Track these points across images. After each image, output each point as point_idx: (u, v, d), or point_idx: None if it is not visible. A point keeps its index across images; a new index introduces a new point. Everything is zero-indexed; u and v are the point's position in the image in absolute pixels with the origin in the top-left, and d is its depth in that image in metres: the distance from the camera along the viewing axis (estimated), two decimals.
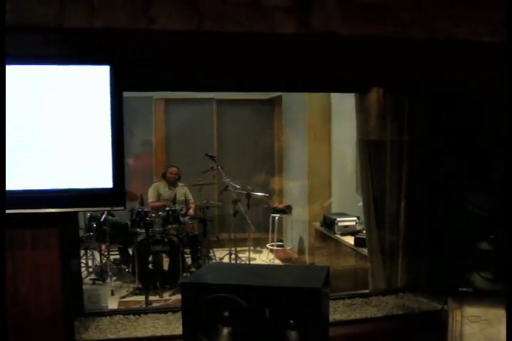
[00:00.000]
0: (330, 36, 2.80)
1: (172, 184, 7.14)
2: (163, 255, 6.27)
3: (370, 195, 3.77)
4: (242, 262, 7.12)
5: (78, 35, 2.46)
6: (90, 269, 6.48)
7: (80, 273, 3.58)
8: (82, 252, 6.34)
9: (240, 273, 2.24)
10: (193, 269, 6.59)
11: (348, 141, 6.29)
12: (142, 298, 5.41)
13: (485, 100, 3.11)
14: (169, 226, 6.15)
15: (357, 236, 5.40)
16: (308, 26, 2.76)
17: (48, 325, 2.58)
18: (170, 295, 5.78)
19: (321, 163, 7.41)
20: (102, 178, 2.47)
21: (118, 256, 6.80)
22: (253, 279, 2.10)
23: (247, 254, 7.35)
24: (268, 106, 8.96)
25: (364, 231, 4.79)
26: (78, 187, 2.47)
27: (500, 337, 2.52)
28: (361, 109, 3.77)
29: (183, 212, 6.62)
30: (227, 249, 7.25)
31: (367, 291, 3.86)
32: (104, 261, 6.49)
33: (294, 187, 8.17)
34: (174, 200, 6.56)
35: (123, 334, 2.92)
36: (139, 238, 6.02)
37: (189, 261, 6.79)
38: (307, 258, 7.58)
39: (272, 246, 8.09)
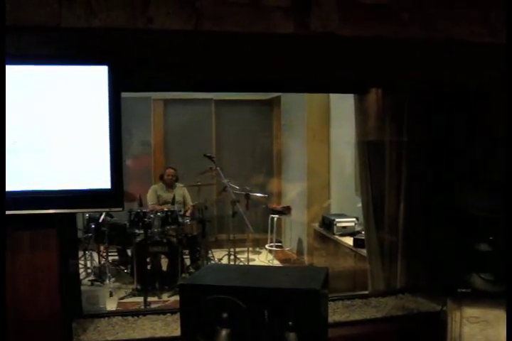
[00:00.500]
0: (329, 36, 2.80)
1: (170, 185, 7.16)
2: (162, 256, 6.26)
3: (370, 195, 3.76)
4: (241, 263, 7.11)
5: (76, 35, 2.45)
6: (89, 270, 6.46)
7: (78, 274, 3.58)
8: (81, 253, 6.33)
9: (238, 275, 2.23)
10: (191, 270, 6.58)
11: (347, 142, 6.29)
12: (141, 299, 5.40)
13: (484, 100, 3.11)
14: (168, 227, 6.14)
15: (356, 237, 5.40)
16: (307, 26, 2.76)
17: (46, 327, 2.57)
18: (169, 296, 5.76)
19: (320, 164, 7.40)
20: (100, 179, 2.47)
21: (117, 257, 6.78)
22: (252, 280, 2.09)
23: (245, 255, 7.34)
24: (267, 106, 8.95)
25: (363, 232, 4.79)
26: (76, 188, 2.46)
27: (500, 338, 2.51)
28: (360, 110, 3.76)
29: (181, 213, 6.62)
30: (226, 249, 7.24)
31: (366, 292, 3.85)
32: (102, 262, 6.48)
33: (292, 187, 8.16)
34: (173, 201, 6.55)
35: (121, 336, 2.91)
36: (138, 239, 6.01)
37: (188, 261, 6.77)
38: (306, 259, 7.58)
39: (271, 246, 8.09)
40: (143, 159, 8.56)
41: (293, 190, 8.14)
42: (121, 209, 2.57)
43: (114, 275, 6.37)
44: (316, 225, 6.73)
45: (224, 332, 1.94)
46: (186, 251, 6.74)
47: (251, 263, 7.29)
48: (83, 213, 6.18)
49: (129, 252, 6.47)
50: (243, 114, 8.84)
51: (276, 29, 2.73)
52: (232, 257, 7.05)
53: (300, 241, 7.90)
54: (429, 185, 3.47)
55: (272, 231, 8.04)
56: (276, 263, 7.69)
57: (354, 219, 5.98)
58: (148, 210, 6.25)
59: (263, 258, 7.96)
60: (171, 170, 7.19)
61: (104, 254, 6.46)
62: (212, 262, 6.98)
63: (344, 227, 5.95)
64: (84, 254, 6.45)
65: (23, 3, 2.32)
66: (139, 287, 5.80)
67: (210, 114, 8.69)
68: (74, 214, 3.07)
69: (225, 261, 7.11)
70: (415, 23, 2.92)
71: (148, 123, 8.55)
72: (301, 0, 2.68)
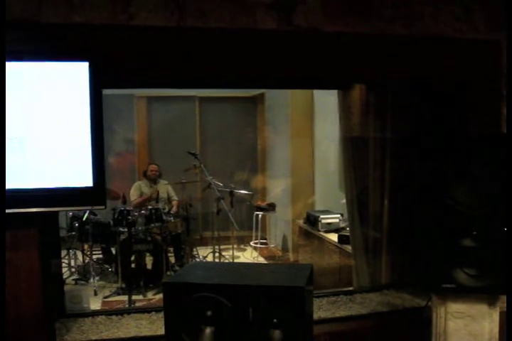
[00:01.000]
0: (312, 32, 2.80)
1: (153, 181, 7.16)
2: (147, 254, 6.23)
3: (354, 192, 3.77)
4: (226, 260, 7.10)
5: (56, 31, 2.42)
6: (73, 269, 6.42)
7: (61, 273, 3.54)
8: (65, 252, 6.29)
9: (222, 272, 2.22)
10: (176, 268, 6.55)
11: (331, 138, 6.30)
12: (126, 297, 5.37)
13: (467, 96, 3.12)
14: (152, 225, 6.12)
15: (340, 233, 5.41)
16: (291, 22, 2.75)
17: (28, 327, 2.54)
18: (153, 295, 5.74)
19: (304, 161, 7.41)
20: (82, 177, 2.43)
21: (101, 256, 6.75)
22: (236, 278, 2.08)
23: (230, 252, 7.34)
24: (251, 103, 8.94)
25: (348, 229, 4.80)
26: (58, 186, 2.42)
27: (484, 333, 2.53)
28: (344, 106, 3.76)
29: (165, 211, 6.59)
30: (211, 247, 7.22)
31: (351, 288, 3.86)
32: (86, 261, 6.44)
33: (277, 184, 8.17)
34: (157, 198, 6.52)
35: (105, 335, 2.88)
36: (122, 237, 5.97)
37: (173, 259, 6.75)
38: (291, 256, 7.59)
39: (256, 244, 8.08)
40: (127, 157, 8.51)
41: (277, 187, 8.15)
42: (103, 207, 2.54)
43: (98, 274, 6.33)
44: (301, 222, 6.74)
45: (208, 330, 1.93)
46: (171, 249, 6.72)
47: (236, 261, 7.29)
48: (66, 212, 6.14)
49: (113, 250, 6.43)
50: (227, 111, 8.82)
51: (259, 25, 2.72)
52: (217, 254, 7.03)
53: (285, 238, 7.91)
54: (413, 180, 3.48)
55: (256, 229, 8.04)
56: (261, 260, 7.70)
57: (339, 216, 5.98)
58: (131, 208, 6.22)
59: (248, 256, 7.96)
60: (154, 166, 7.22)
61: (88, 253, 6.41)
62: (197, 260, 6.97)
63: (329, 224, 5.96)
64: (68, 253, 6.41)
65: None
66: (123, 285, 5.78)
67: (193, 111, 8.66)
68: (56, 212, 3.03)
69: (209, 258, 7.10)
70: (398, 20, 2.93)
71: (131, 121, 8.50)
72: None
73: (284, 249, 7.93)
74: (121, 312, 3.21)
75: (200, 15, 2.62)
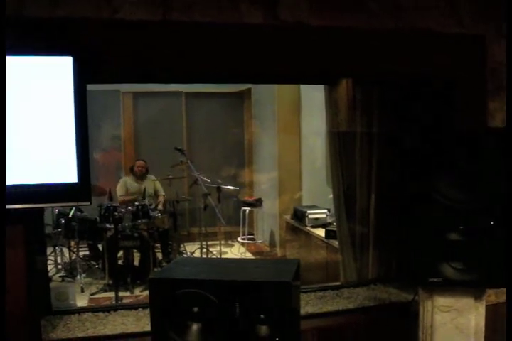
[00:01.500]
0: (298, 27, 2.78)
1: (140, 177, 7.13)
2: (134, 250, 6.20)
3: (341, 187, 3.77)
4: (214, 256, 7.10)
5: (39, 24, 2.39)
6: (59, 266, 6.37)
7: (46, 270, 3.51)
8: (51, 249, 6.24)
9: (209, 268, 2.21)
10: (164, 264, 6.54)
11: (317, 133, 6.30)
12: (113, 294, 5.35)
13: (453, 91, 3.12)
14: (139, 221, 6.09)
15: (328, 228, 5.42)
16: (276, 16, 2.74)
17: (13, 324, 2.51)
18: (141, 291, 5.72)
19: (291, 156, 7.41)
20: (67, 173, 2.41)
21: (87, 253, 6.70)
22: (222, 274, 2.07)
23: (218, 248, 7.34)
24: (237, 99, 8.92)
25: (335, 224, 4.80)
26: (42, 183, 2.39)
27: (470, 326, 2.54)
28: (331, 101, 3.76)
29: (152, 207, 6.57)
30: (198, 243, 7.21)
31: (338, 283, 3.86)
32: (73, 258, 6.39)
33: (264, 180, 8.16)
34: (144, 194, 6.49)
35: (92, 332, 2.86)
36: (109, 233, 5.96)
37: (160, 256, 6.74)
38: (278, 251, 7.60)
39: (243, 239, 8.09)
40: (113, 153, 8.48)
41: (264, 182, 8.15)
42: (88, 203, 2.51)
43: (85, 271, 6.29)
44: (288, 217, 6.74)
45: (195, 327, 1.93)
46: (158, 245, 6.70)
47: (223, 256, 7.28)
48: (52, 208, 6.09)
49: (100, 247, 6.40)
50: (214, 107, 8.80)
51: (245, 19, 2.70)
52: (204, 250, 7.02)
53: (272, 234, 7.91)
54: (400, 175, 3.48)
55: (243, 224, 8.04)
56: (249, 255, 7.70)
57: (326, 211, 5.99)
58: (118, 204, 6.19)
59: (235, 251, 7.96)
60: (141, 162, 7.19)
61: (75, 250, 6.37)
62: (185, 256, 6.95)
63: (316, 219, 5.96)
64: (55, 250, 6.36)
65: None
66: (110, 282, 5.75)
67: (180, 107, 8.64)
68: (41, 209, 3.00)
69: (197, 254, 7.09)
70: (384, 13, 2.92)
71: (117, 117, 8.45)
72: None
73: (272, 244, 7.93)
74: (107, 309, 3.19)
75: (185, 9, 2.60)
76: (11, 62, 2.29)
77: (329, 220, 5.81)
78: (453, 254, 2.44)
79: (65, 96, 2.36)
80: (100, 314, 3.11)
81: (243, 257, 7.46)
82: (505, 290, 2.71)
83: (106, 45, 2.52)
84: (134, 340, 2.85)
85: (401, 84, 3.42)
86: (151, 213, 6.28)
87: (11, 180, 2.32)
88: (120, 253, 6.07)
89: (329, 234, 5.24)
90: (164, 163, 7.31)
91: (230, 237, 8.37)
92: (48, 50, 2.34)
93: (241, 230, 8.15)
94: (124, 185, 7.04)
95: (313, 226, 5.93)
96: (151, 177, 7.22)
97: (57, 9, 2.41)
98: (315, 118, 6.41)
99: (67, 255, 6.48)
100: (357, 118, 3.67)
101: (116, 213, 5.84)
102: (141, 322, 2.99)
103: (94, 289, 5.79)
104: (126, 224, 5.95)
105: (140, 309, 3.18)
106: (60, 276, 6.11)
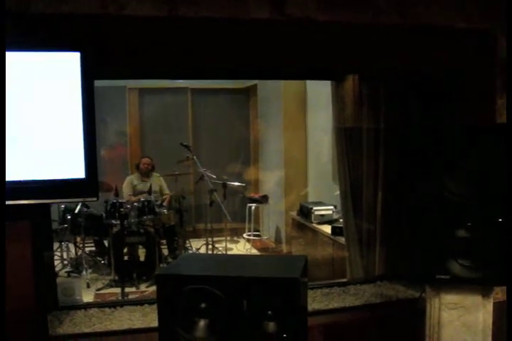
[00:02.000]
0: (305, 22, 2.77)
1: (146, 175, 7.13)
2: (140, 246, 6.21)
3: (347, 183, 3.75)
4: (219, 252, 7.10)
5: (46, 21, 2.39)
6: (65, 262, 6.39)
7: (53, 266, 3.52)
8: (57, 244, 6.25)
9: (216, 264, 2.21)
10: (169, 260, 6.55)
11: (324, 129, 6.29)
12: (118, 290, 5.36)
13: (460, 86, 3.11)
14: (145, 217, 6.10)
15: (334, 225, 5.40)
16: (283, 12, 2.72)
17: (20, 320, 2.52)
18: (146, 287, 5.74)
19: (297, 152, 7.40)
20: (74, 168, 2.41)
21: (93, 248, 6.71)
22: (229, 270, 2.07)
23: (223, 244, 7.33)
24: (243, 95, 8.90)
25: (341, 220, 4.79)
26: (50, 178, 2.39)
27: (478, 324, 2.53)
28: (337, 97, 3.74)
29: (158, 203, 6.57)
30: (204, 239, 7.21)
31: (345, 280, 3.85)
32: (79, 254, 6.41)
33: (270, 176, 8.15)
34: (149, 191, 6.50)
35: (98, 328, 2.87)
36: (115, 229, 5.97)
37: (166, 252, 6.74)
38: (284, 248, 7.59)
39: (249, 236, 8.08)
40: (119, 149, 8.48)
41: (270, 179, 8.13)
42: (95, 198, 2.51)
43: (91, 267, 6.31)
44: (294, 213, 6.73)
45: (202, 323, 1.93)
46: (164, 241, 6.71)
47: (229, 253, 7.28)
48: (58, 204, 6.10)
49: (105, 243, 6.41)
50: (219, 103, 8.78)
51: (251, 14, 2.69)
52: (210, 246, 7.02)
53: (278, 230, 7.90)
54: (407, 171, 3.47)
55: (249, 220, 8.03)
56: (255, 252, 7.70)
57: (332, 207, 5.98)
58: (124, 201, 6.19)
59: (241, 248, 7.96)
60: (147, 159, 7.19)
61: (81, 245, 6.39)
62: (190, 252, 6.95)
63: (322, 215, 5.95)
64: (61, 246, 6.38)
65: None
66: (116, 278, 5.76)
67: (186, 103, 8.63)
68: (48, 204, 3.01)
69: (202, 250, 7.09)
70: (392, 10, 2.91)
71: (123, 113, 8.46)
72: None
73: (277, 240, 7.92)
74: (114, 305, 3.19)
75: (191, 4, 2.59)
76: (19, 58, 2.29)
77: (335, 217, 5.79)
78: (460, 251, 2.43)
79: (73, 92, 2.35)
80: (106, 309, 3.12)
81: (249, 253, 7.45)
82: None
83: (113, 41, 2.52)
84: (141, 336, 2.85)
85: (409, 80, 3.40)
86: (157, 209, 6.29)
87: (18, 175, 2.33)
88: (126, 249, 6.07)
89: (335, 231, 5.23)
90: (170, 159, 7.30)
91: (236, 233, 8.37)
92: (56, 46, 2.33)
93: (247, 226, 8.15)
94: (130, 184, 7.05)
95: (319, 223, 5.91)
96: (156, 174, 7.22)
97: (65, 5, 2.40)
98: (321, 115, 6.39)
99: (73, 251, 6.50)
100: (364, 114, 3.66)
101: (122, 209, 5.85)
102: (147, 317, 2.99)
103: (100, 285, 5.81)
104: (132, 220, 5.95)
105: (146, 305, 3.19)
106: (66, 272, 6.12)
